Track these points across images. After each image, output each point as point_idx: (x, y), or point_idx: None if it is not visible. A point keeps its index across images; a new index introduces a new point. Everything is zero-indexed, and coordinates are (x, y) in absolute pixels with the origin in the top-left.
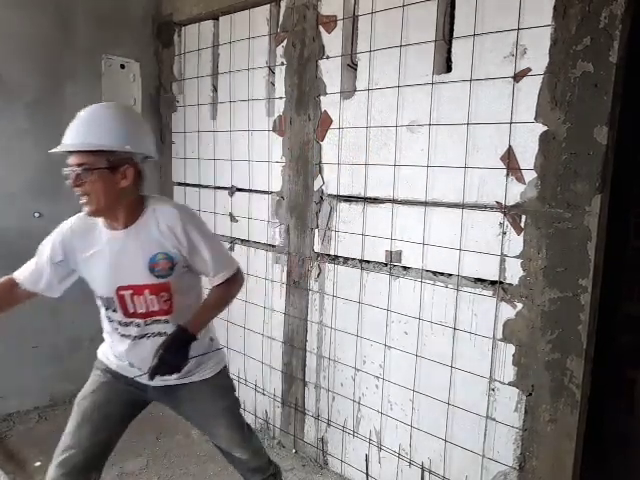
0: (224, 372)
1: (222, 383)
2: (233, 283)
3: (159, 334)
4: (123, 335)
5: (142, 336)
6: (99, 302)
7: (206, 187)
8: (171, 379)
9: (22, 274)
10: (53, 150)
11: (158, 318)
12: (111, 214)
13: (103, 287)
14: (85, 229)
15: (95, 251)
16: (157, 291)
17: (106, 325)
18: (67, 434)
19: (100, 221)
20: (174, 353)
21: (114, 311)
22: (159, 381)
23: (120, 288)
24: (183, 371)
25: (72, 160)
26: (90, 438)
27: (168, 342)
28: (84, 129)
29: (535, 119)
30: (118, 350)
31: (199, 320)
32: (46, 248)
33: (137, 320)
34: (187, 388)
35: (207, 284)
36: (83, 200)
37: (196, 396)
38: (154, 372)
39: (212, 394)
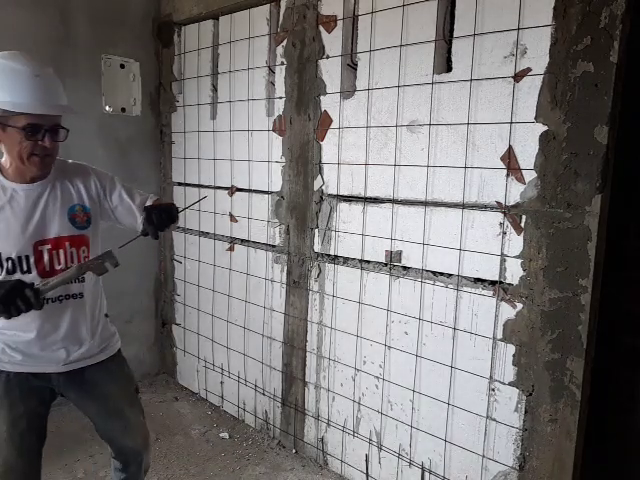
0: (120, 352)
1: (125, 362)
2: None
3: (75, 296)
4: None
5: (54, 299)
6: (5, 266)
7: (206, 187)
8: (79, 362)
9: None
10: (40, 111)
11: None
12: None
13: (15, 244)
14: None
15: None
16: (78, 244)
17: None
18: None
19: (2, 178)
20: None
21: (26, 272)
22: (68, 366)
23: (38, 243)
24: (89, 351)
25: (45, 121)
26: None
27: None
28: (55, 89)
29: (535, 119)
30: (26, 331)
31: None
32: None
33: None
34: (96, 369)
35: None
36: (44, 160)
37: (107, 376)
38: (160, 228)
39: (122, 373)
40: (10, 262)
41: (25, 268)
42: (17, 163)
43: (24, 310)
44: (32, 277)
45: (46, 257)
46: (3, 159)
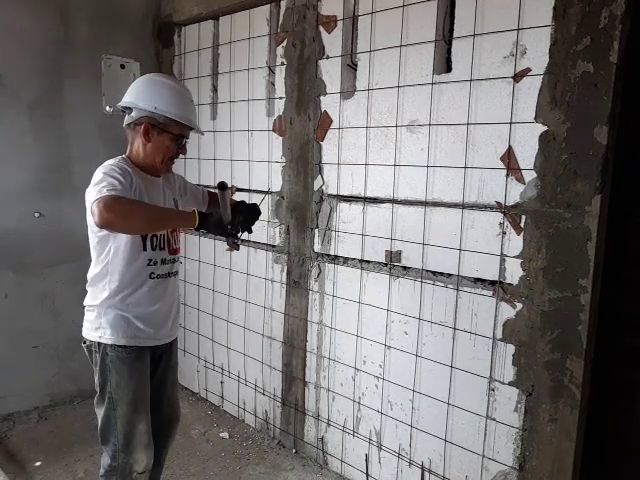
0: None
1: None
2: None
3: (175, 273)
4: (159, 276)
5: (171, 274)
6: (149, 243)
7: (206, 187)
8: (172, 336)
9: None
10: (193, 126)
11: (179, 255)
12: None
13: None
14: (134, 172)
15: (145, 191)
16: (179, 230)
17: (140, 275)
18: (144, 433)
19: (136, 168)
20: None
21: (161, 249)
22: (168, 338)
23: None
24: (175, 325)
25: (187, 133)
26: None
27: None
28: (196, 111)
29: (535, 119)
30: (153, 304)
31: None
32: (123, 178)
33: (173, 256)
34: (174, 343)
35: None
36: (172, 163)
37: (176, 350)
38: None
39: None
40: (155, 239)
41: (162, 245)
42: (155, 161)
43: (244, 230)
44: (163, 253)
45: (170, 236)
46: (132, 152)
